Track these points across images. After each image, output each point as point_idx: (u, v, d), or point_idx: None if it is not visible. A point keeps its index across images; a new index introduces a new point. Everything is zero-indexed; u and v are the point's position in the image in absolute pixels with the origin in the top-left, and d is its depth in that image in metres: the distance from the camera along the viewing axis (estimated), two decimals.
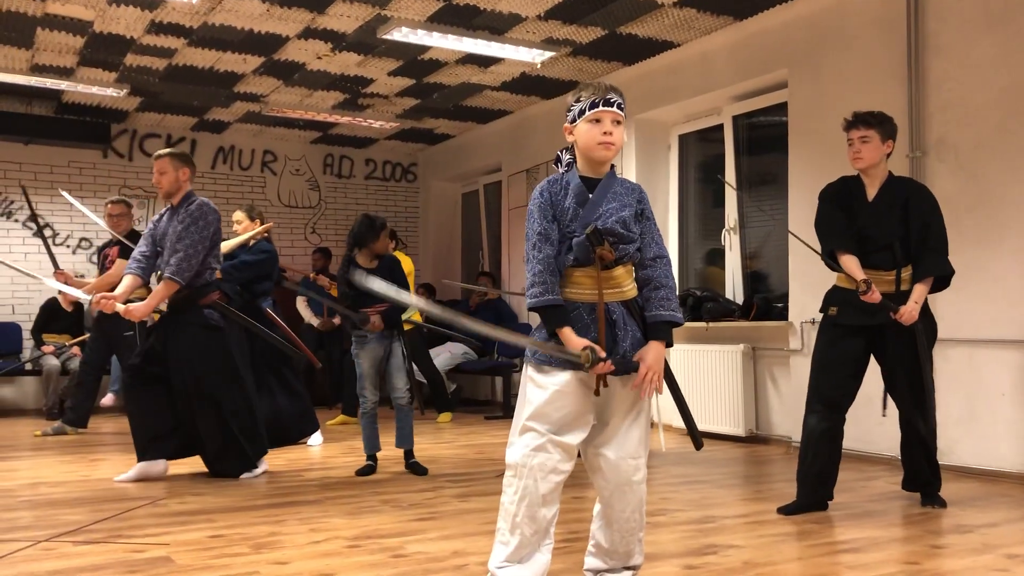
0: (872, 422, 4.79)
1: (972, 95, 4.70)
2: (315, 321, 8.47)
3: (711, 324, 6.23)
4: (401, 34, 5.96)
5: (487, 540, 3.08)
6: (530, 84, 7.39)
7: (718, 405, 6.06)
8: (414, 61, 6.78)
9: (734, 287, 6.55)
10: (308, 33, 6.16)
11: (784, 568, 2.82)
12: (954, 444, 4.69)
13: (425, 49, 6.46)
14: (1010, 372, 4.47)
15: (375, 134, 9.30)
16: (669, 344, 2.40)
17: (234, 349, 4.60)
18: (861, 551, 3.05)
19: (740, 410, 5.91)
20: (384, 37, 6.05)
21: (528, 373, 2.40)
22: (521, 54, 6.41)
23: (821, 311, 3.85)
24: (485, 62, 6.79)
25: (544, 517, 2.34)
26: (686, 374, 6.32)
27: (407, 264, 7.26)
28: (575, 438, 2.36)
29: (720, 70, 6.26)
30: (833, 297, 3.79)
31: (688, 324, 6.41)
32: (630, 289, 2.43)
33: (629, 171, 7.05)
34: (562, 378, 2.33)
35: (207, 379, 4.43)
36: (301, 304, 8.62)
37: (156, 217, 4.66)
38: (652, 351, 2.36)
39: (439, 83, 7.39)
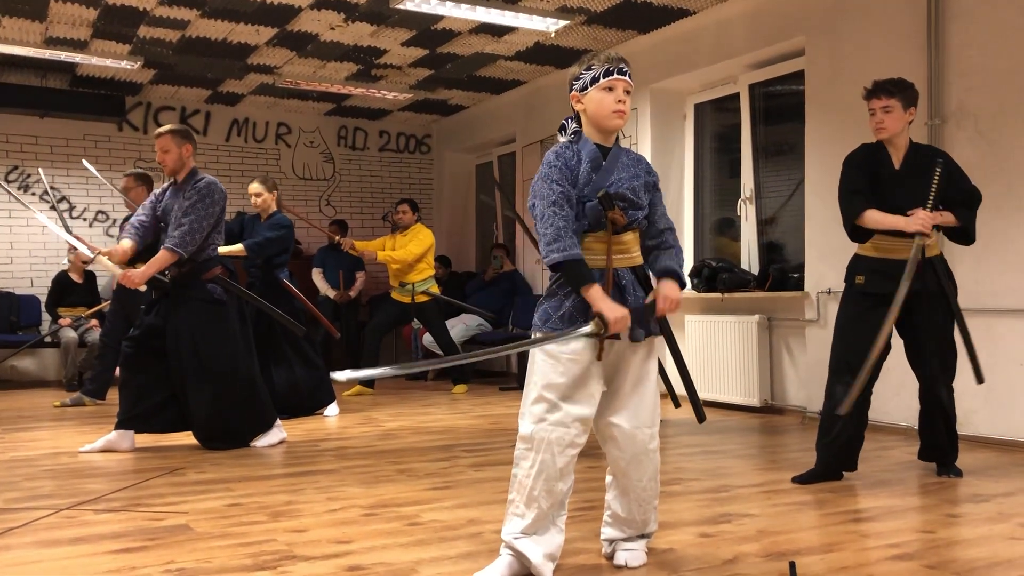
0: (889, 392, 4.77)
1: (993, 61, 4.63)
2: (331, 293, 8.51)
3: (726, 295, 6.21)
4: (414, 3, 5.91)
5: (502, 508, 3.09)
6: (544, 54, 7.33)
7: (733, 375, 6.05)
8: (427, 31, 6.73)
9: (750, 257, 6.51)
10: (321, 3, 6.12)
11: (799, 536, 2.82)
12: (971, 414, 4.67)
13: (438, 19, 6.41)
14: None
15: (389, 105, 9.26)
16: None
17: (237, 324, 4.62)
18: (876, 520, 3.06)
19: (755, 380, 5.90)
20: (397, 7, 6.00)
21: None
22: (535, 23, 6.35)
23: (846, 281, 3.81)
24: (499, 31, 6.73)
25: (561, 490, 2.35)
26: (701, 344, 6.31)
27: (427, 237, 7.27)
28: (590, 409, 2.36)
29: (736, 38, 6.19)
30: (859, 266, 3.74)
31: (703, 294, 6.40)
32: (638, 256, 2.47)
33: (644, 141, 7.00)
34: (574, 347, 2.34)
35: (206, 352, 4.45)
36: (317, 276, 8.65)
37: (159, 191, 4.66)
38: (667, 285, 2.42)
39: (452, 53, 7.34)
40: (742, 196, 6.54)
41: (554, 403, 2.33)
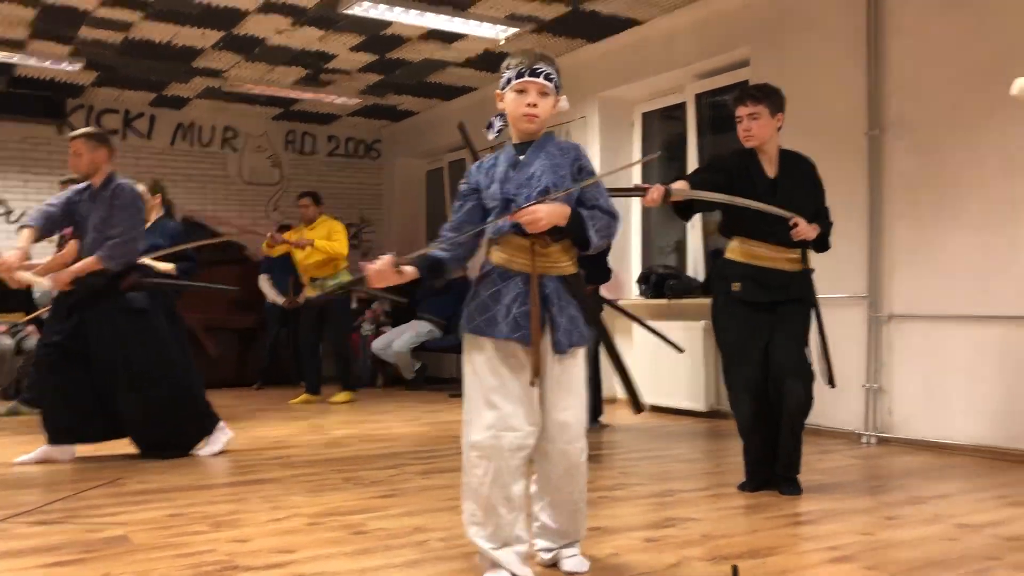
0: (830, 397, 4.86)
1: (930, 74, 4.75)
2: (280, 300, 8.38)
3: (673, 301, 6.28)
4: (362, 8, 5.88)
5: (449, 516, 3.10)
6: (494, 61, 7.34)
7: (680, 381, 6.11)
8: (376, 37, 6.70)
9: (696, 265, 6.59)
10: (268, 7, 6.06)
11: (741, 540, 2.86)
12: (910, 418, 4.77)
13: (387, 24, 6.39)
14: (965, 347, 4.55)
15: (337, 110, 9.20)
16: (570, 235, 2.37)
17: (165, 328, 4.51)
18: (817, 522, 3.11)
19: (701, 385, 5.97)
20: (345, 12, 5.97)
21: (467, 346, 2.40)
22: (484, 30, 6.36)
23: (714, 285, 3.68)
24: (448, 38, 6.73)
25: (518, 494, 2.34)
26: (649, 350, 6.35)
27: (344, 229, 7.13)
28: (533, 410, 2.36)
29: (683, 48, 6.27)
30: (732, 272, 3.58)
31: (651, 301, 6.47)
32: (567, 265, 2.42)
33: (593, 148, 7.05)
34: (501, 347, 2.34)
35: (137, 361, 4.34)
36: (264, 282, 8.53)
37: (78, 188, 4.52)
38: (549, 203, 2.30)
39: (402, 59, 7.32)
40: None
41: (501, 408, 2.32)
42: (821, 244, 3.63)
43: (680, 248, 6.84)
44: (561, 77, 2.45)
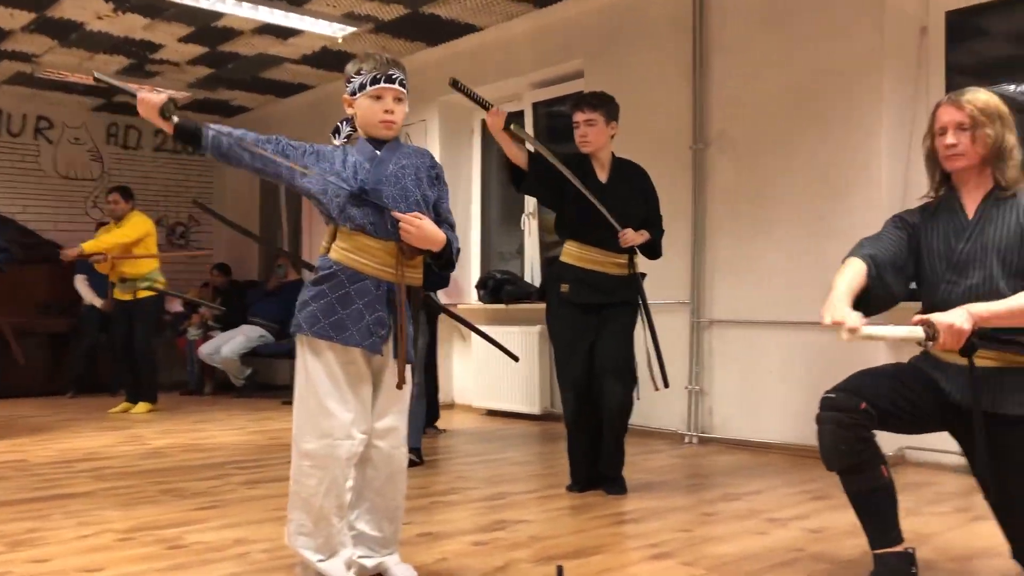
0: (655, 398, 5.04)
1: (750, 91, 5.02)
2: (97, 302, 7.85)
3: (510, 306, 6.35)
4: None
5: (272, 527, 2.99)
6: (332, 59, 7.19)
7: (516, 384, 6.17)
8: (206, 28, 6.42)
9: (532, 270, 6.69)
10: None
11: (567, 540, 2.91)
12: (728, 419, 5.02)
13: (218, 16, 6.13)
14: (779, 351, 4.83)
15: None
16: (441, 259, 2.39)
17: None
18: (640, 521, 3.20)
19: (536, 389, 6.06)
20: (173, 0, 5.68)
21: (304, 349, 2.32)
22: (321, 27, 6.23)
23: (548, 288, 3.80)
24: (283, 33, 6.54)
25: (347, 501, 2.31)
26: (486, 354, 6.39)
27: (143, 223, 6.70)
28: (368, 416, 2.32)
29: (521, 56, 6.35)
30: (563, 274, 3.68)
31: (488, 305, 6.52)
32: (420, 277, 2.42)
33: (433, 153, 7.01)
34: (343, 352, 2.29)
35: None
36: (80, 283, 7.98)
37: None
38: (431, 225, 2.32)
39: (234, 52, 7.05)
40: (526, 211, 6.71)
41: (338, 416, 2.26)
42: (652, 251, 3.77)
43: (521, 254, 6.92)
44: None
